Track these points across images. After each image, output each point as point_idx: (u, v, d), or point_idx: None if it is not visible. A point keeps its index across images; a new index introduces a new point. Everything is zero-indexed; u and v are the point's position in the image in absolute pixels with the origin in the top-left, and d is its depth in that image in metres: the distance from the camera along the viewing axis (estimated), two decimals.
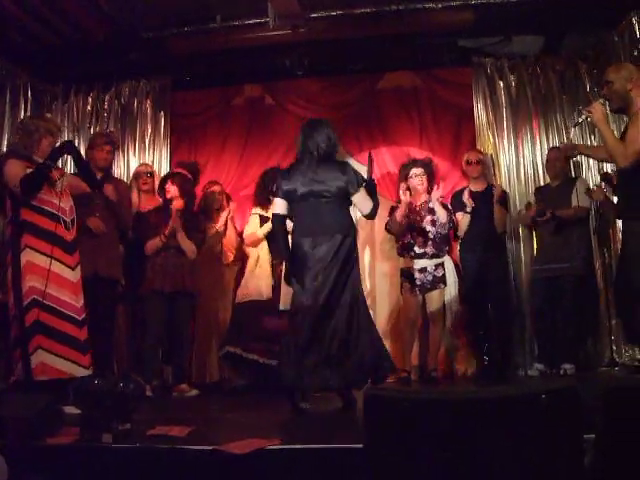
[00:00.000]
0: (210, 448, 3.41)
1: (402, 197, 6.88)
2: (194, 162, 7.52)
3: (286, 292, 6.83)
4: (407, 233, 6.90)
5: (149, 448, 3.55)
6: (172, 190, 6.62)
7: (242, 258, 7.35)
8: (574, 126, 6.12)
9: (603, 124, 4.92)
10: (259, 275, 7.00)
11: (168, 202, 6.60)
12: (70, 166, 6.98)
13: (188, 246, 6.60)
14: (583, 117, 5.30)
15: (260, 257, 7.08)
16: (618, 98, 4.95)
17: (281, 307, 6.81)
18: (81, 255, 5.53)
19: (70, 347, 5.09)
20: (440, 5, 6.85)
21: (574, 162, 7.34)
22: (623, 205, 5.12)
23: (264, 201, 7.16)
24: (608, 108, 5.08)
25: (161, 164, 7.93)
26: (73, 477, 3.46)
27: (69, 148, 5.46)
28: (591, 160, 7.34)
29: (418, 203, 6.98)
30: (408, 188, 6.97)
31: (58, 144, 5.40)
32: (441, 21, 7.06)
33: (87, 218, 5.97)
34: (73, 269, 5.26)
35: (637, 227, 4.83)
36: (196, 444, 3.53)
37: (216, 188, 7.34)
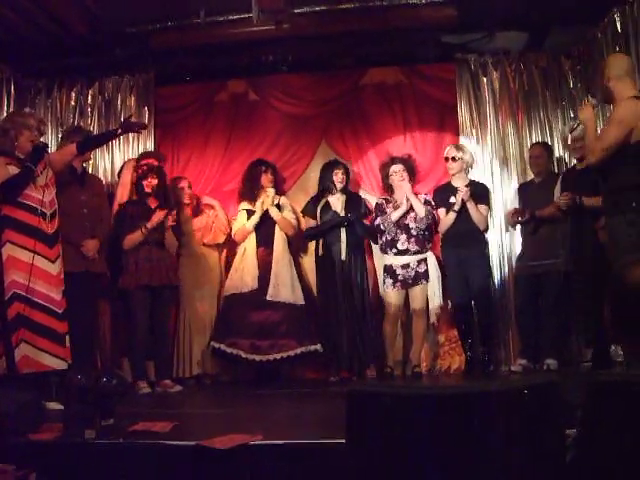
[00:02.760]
0: (193, 443, 3.41)
1: (407, 199, 6.97)
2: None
3: (275, 283, 6.89)
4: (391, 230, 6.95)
5: (132, 444, 3.55)
6: (154, 184, 6.62)
7: (230, 247, 7.46)
8: (570, 132, 6.14)
9: (588, 123, 4.99)
10: (244, 267, 7.05)
11: (146, 195, 6.61)
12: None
13: (172, 241, 6.62)
14: (577, 122, 5.34)
15: (246, 249, 7.12)
16: (602, 93, 5.02)
17: (268, 297, 6.86)
18: (71, 250, 5.60)
19: (51, 340, 5.11)
20: (424, 1, 6.83)
21: (557, 158, 7.38)
22: (602, 202, 5.16)
23: (250, 196, 7.20)
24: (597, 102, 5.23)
25: None
26: (55, 473, 3.45)
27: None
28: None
29: (401, 200, 7.01)
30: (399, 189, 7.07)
31: (35, 146, 5.36)
32: (424, 17, 7.04)
33: (80, 240, 5.97)
34: (53, 262, 5.25)
35: (611, 222, 4.89)
36: (179, 439, 3.53)
37: (184, 184, 7.34)
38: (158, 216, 6.47)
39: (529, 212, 6.65)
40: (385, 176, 7.21)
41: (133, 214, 6.54)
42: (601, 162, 4.77)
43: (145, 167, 6.74)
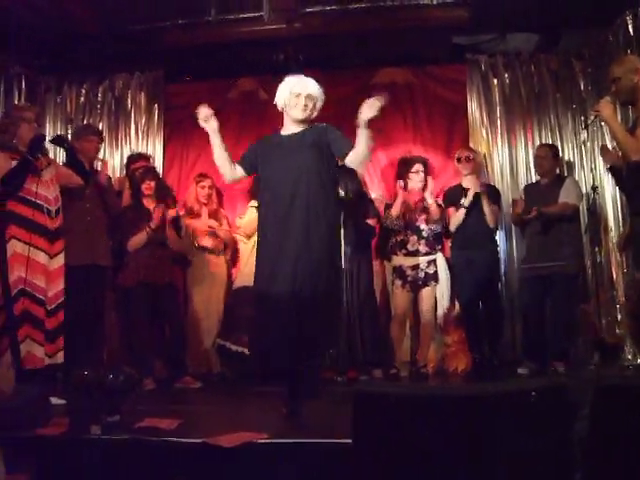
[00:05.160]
0: (199, 441, 3.41)
1: (400, 192, 6.91)
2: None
3: None
4: (401, 230, 6.93)
5: (138, 440, 3.55)
6: (152, 186, 6.65)
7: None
8: (584, 128, 6.06)
9: (612, 120, 4.85)
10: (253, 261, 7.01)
11: (144, 197, 6.64)
12: (61, 157, 7.03)
13: (174, 238, 6.73)
14: (592, 117, 5.29)
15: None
16: (626, 92, 4.91)
17: None
18: (75, 244, 5.60)
19: (45, 336, 5.10)
20: (435, 1, 6.83)
21: (566, 162, 7.36)
22: (635, 200, 5.05)
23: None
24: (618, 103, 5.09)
25: (155, 157, 7.88)
26: (61, 468, 3.46)
27: (58, 141, 5.62)
28: (584, 159, 7.38)
29: (413, 201, 7.00)
30: (405, 185, 6.99)
31: (33, 137, 5.33)
32: (435, 17, 7.05)
33: (83, 232, 6.02)
34: (52, 257, 5.22)
35: None
36: (185, 437, 3.53)
37: (205, 183, 7.34)
38: (158, 213, 6.49)
39: (535, 209, 6.58)
40: (405, 171, 7.16)
41: (134, 218, 6.56)
42: None
43: (142, 170, 6.77)
